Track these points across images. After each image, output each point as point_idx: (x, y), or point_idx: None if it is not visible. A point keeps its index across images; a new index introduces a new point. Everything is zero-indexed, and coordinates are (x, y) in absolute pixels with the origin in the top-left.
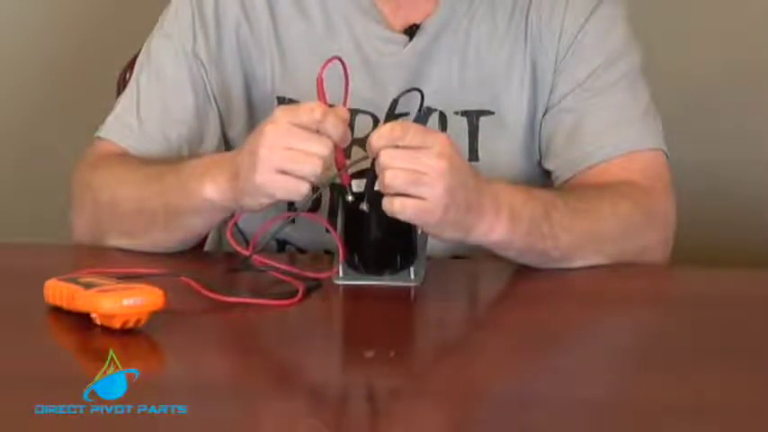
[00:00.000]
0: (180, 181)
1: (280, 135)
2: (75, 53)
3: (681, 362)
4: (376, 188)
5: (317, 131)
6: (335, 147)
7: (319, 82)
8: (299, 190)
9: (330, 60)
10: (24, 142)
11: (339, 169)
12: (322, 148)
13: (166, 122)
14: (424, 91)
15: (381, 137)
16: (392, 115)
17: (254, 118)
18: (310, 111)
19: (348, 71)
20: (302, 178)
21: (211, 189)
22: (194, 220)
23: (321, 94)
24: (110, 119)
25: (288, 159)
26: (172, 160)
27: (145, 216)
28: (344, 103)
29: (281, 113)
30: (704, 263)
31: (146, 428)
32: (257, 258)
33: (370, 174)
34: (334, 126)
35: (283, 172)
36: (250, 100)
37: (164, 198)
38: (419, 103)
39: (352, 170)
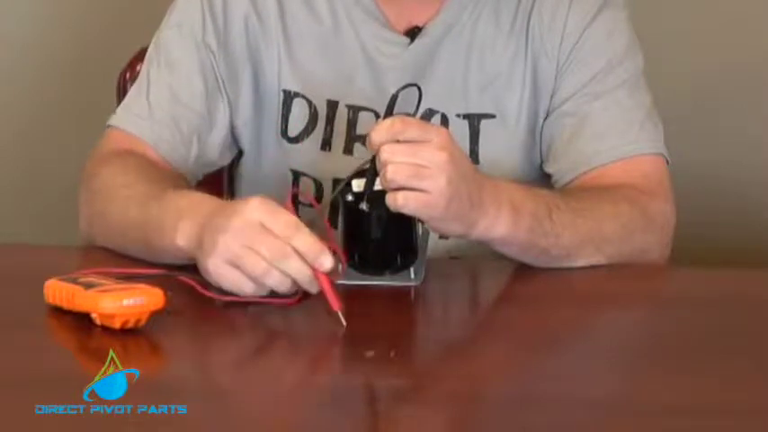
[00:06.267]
0: (159, 216)
1: (240, 229)
2: (76, 55)
3: (681, 362)
4: (376, 187)
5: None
6: (312, 268)
7: (288, 207)
8: (242, 288)
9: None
10: (25, 145)
11: (324, 292)
12: (270, 250)
13: (176, 109)
14: (426, 93)
15: (381, 132)
16: (391, 113)
17: (260, 108)
18: (285, 225)
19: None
20: (246, 275)
21: (182, 237)
22: (168, 259)
23: (289, 207)
24: (120, 108)
25: (241, 256)
26: (167, 178)
27: (127, 240)
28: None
29: (254, 208)
30: (704, 263)
31: (146, 428)
32: None
33: (370, 173)
34: (305, 245)
35: (233, 265)
36: (257, 90)
37: (143, 231)
38: (417, 100)
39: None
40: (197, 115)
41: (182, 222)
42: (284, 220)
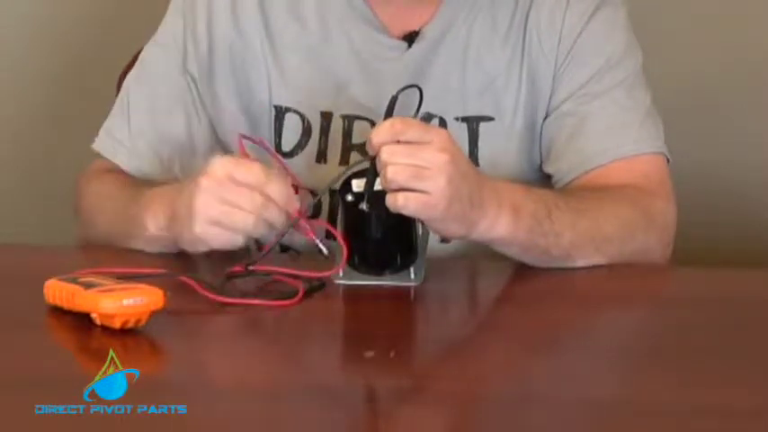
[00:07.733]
0: (134, 210)
1: (214, 187)
2: (76, 55)
3: (681, 362)
4: (376, 187)
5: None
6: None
7: (240, 141)
8: (233, 242)
9: (252, 141)
10: (25, 145)
11: (295, 221)
12: (252, 203)
13: (157, 138)
14: (424, 97)
15: (381, 133)
16: (392, 115)
17: (253, 126)
18: (256, 174)
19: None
20: (236, 231)
21: (152, 224)
22: (148, 249)
23: (242, 153)
24: (102, 133)
25: (221, 212)
26: (149, 182)
27: (114, 241)
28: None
29: (219, 166)
30: (704, 263)
31: (146, 428)
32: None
33: (370, 173)
34: (277, 191)
35: (218, 224)
36: (249, 109)
37: (122, 226)
38: (418, 101)
39: (348, 172)
40: (178, 143)
41: (149, 209)
42: (253, 170)
